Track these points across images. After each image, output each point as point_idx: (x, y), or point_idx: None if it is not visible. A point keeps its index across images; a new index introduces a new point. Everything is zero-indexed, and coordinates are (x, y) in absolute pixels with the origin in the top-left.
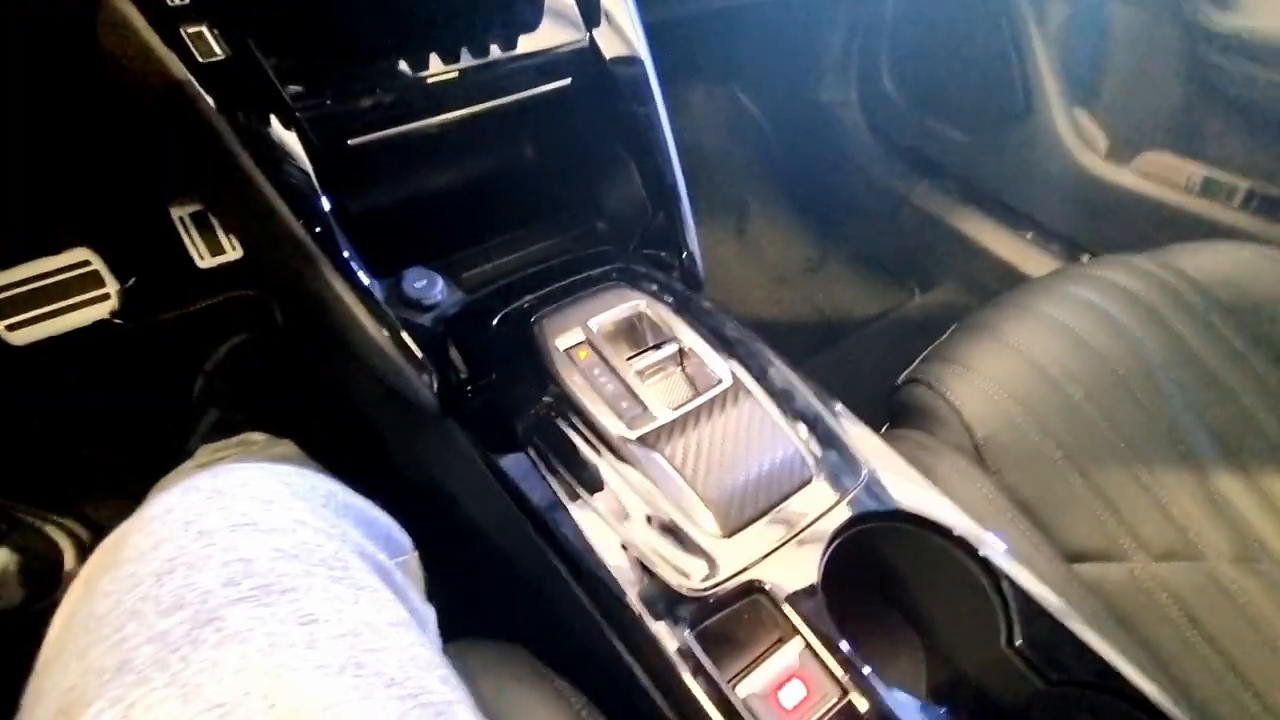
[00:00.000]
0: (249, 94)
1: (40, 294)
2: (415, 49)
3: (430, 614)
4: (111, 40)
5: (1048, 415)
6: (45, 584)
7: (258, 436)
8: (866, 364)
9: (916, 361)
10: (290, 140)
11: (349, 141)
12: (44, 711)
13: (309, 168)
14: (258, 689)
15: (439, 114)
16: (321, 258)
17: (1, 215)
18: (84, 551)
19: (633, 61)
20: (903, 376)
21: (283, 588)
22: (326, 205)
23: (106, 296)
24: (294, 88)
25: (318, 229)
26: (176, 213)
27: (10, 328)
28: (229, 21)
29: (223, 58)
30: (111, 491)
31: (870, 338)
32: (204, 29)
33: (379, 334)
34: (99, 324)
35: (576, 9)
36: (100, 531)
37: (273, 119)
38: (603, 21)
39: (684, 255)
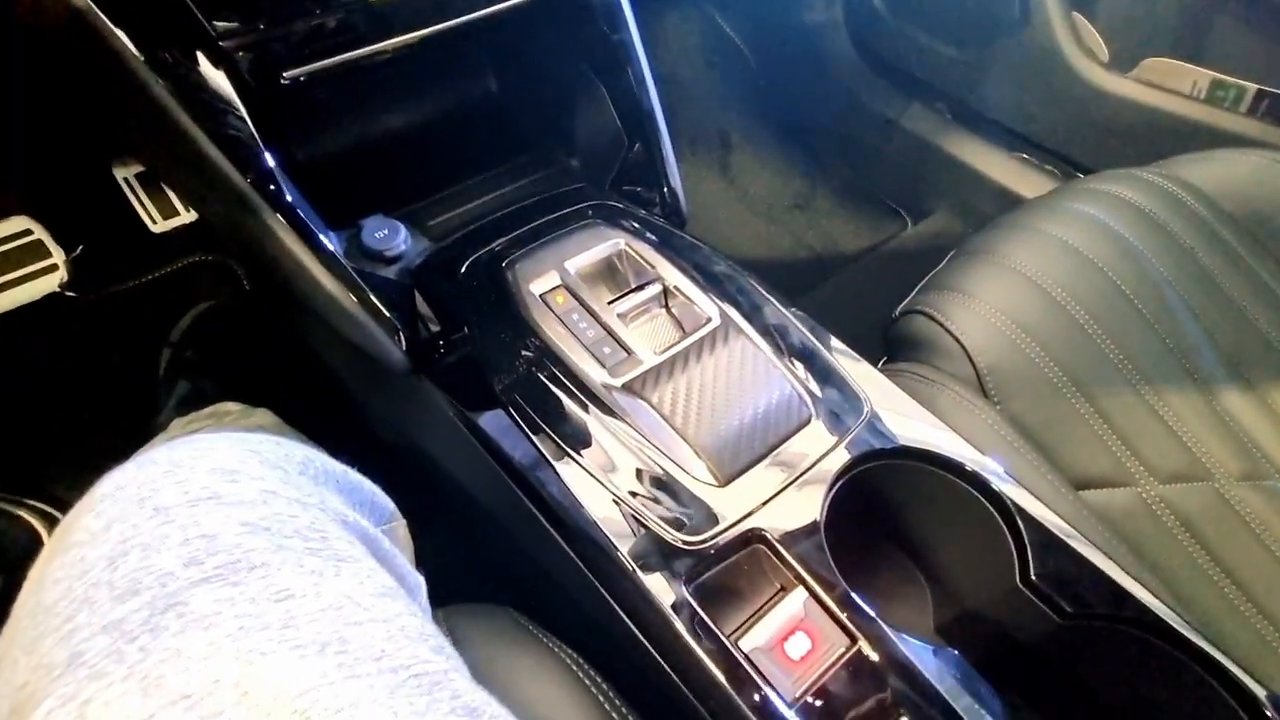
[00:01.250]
0: (165, 24)
1: None
2: None
3: (420, 581)
4: None
5: (1052, 340)
6: (24, 570)
7: (232, 406)
8: (860, 299)
9: (914, 292)
10: (222, 81)
11: (284, 74)
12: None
13: (244, 111)
14: (228, 676)
15: (385, 39)
16: (268, 210)
17: None
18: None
19: None
20: (900, 308)
21: (251, 564)
22: (270, 160)
23: (54, 268)
24: (221, 21)
25: (262, 180)
26: (120, 173)
27: None
28: None
29: None
30: (84, 472)
31: (862, 272)
32: None
33: (339, 290)
34: (50, 298)
35: None
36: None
37: (200, 57)
38: None
39: (665, 189)
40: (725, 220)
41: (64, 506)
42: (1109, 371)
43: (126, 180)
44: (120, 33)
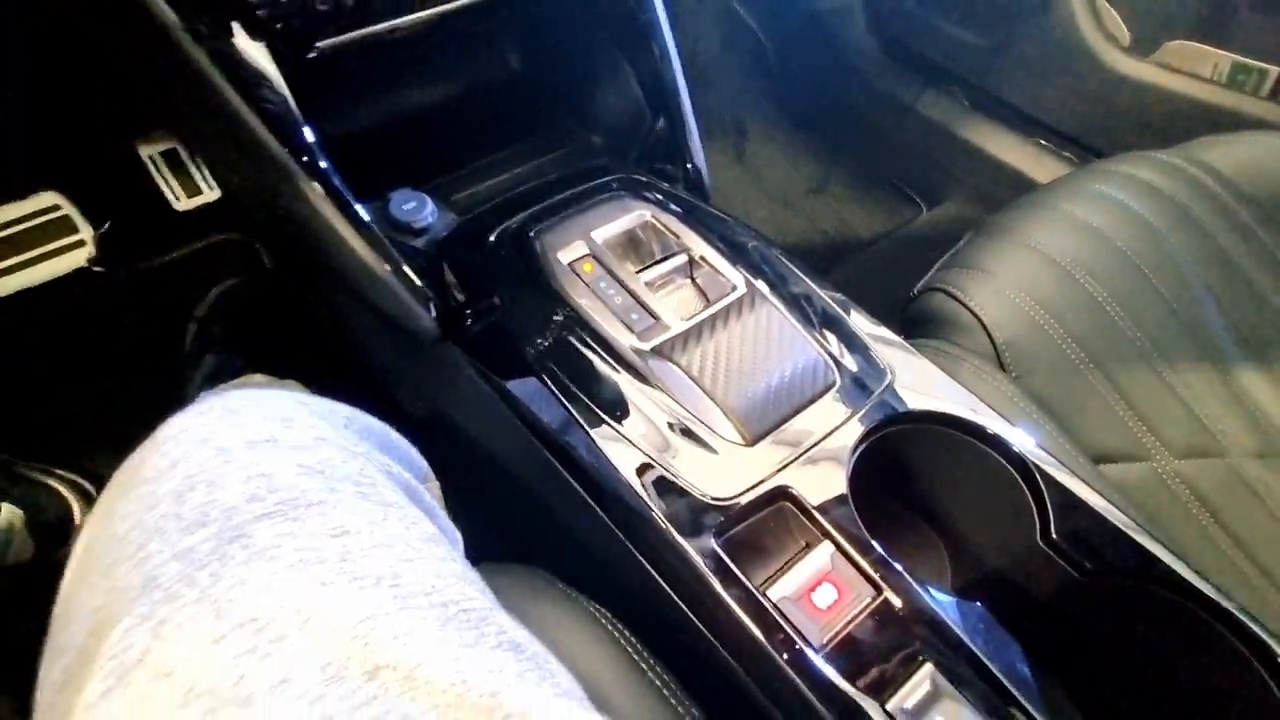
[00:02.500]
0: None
1: (10, 242)
2: None
3: (458, 536)
4: None
5: (1070, 316)
6: (55, 538)
7: (260, 378)
8: (874, 283)
9: (933, 270)
10: (259, 54)
11: (317, 44)
12: (73, 635)
13: (283, 85)
14: (291, 603)
15: (409, 13)
16: (305, 179)
17: None
18: (91, 504)
19: None
20: (919, 285)
21: (309, 502)
22: (309, 131)
23: (82, 243)
24: None
25: (300, 150)
26: (145, 151)
27: None
28: None
29: None
30: (112, 443)
31: (877, 257)
32: None
33: (372, 258)
34: (79, 273)
35: None
36: (105, 483)
37: (237, 29)
38: None
39: (689, 165)
40: (741, 206)
41: (93, 478)
42: (1126, 348)
43: (151, 158)
44: (161, 3)
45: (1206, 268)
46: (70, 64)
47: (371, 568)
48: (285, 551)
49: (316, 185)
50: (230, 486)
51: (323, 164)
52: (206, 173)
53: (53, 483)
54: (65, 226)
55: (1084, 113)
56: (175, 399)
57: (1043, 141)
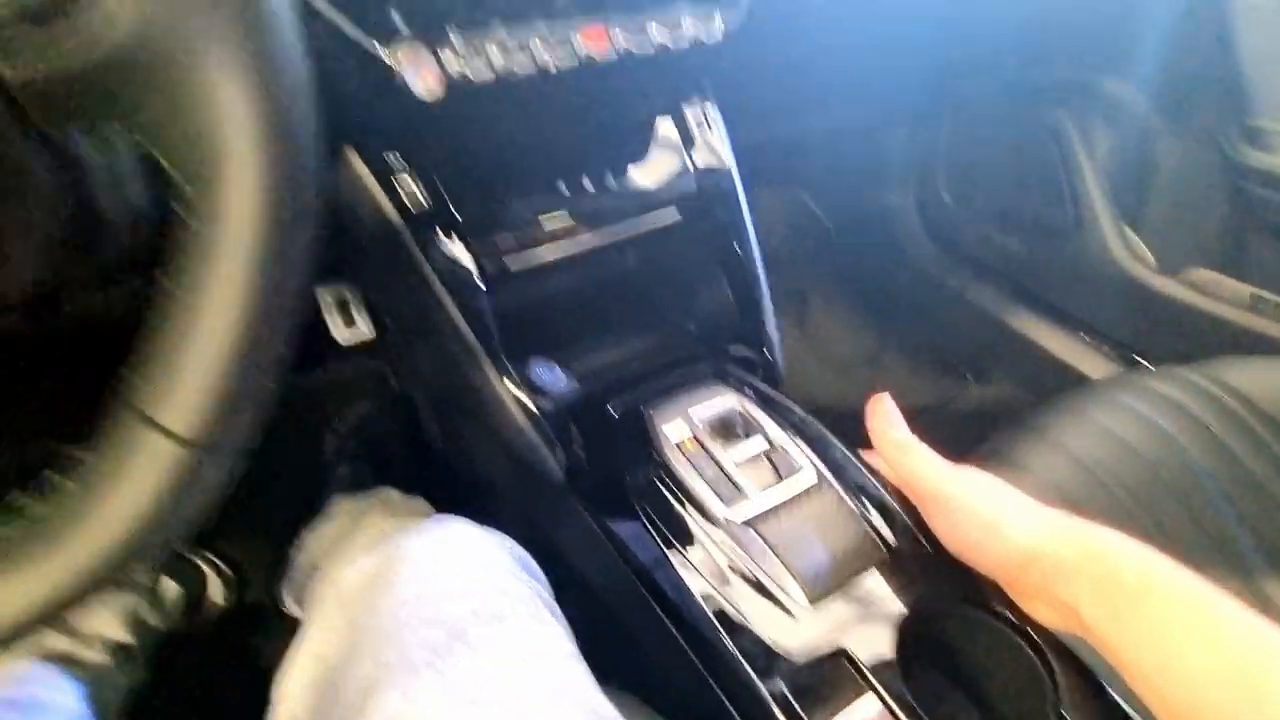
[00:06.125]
0: (441, 230)
1: None
2: (553, 179)
3: None
4: (348, 192)
5: (1095, 516)
6: (192, 612)
7: (394, 494)
8: None
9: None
10: (460, 253)
11: (512, 269)
12: (351, 692)
13: (478, 278)
14: (494, 691)
15: (562, 251)
16: (484, 355)
17: None
18: (226, 585)
19: (721, 174)
20: None
21: (503, 616)
22: (487, 307)
23: None
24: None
25: (484, 333)
26: (323, 295)
27: None
28: (428, 176)
29: (426, 207)
30: (250, 534)
31: (925, 429)
32: (412, 185)
33: (521, 418)
34: None
35: (676, 134)
36: (238, 568)
37: (440, 235)
38: (698, 140)
39: (767, 354)
40: (801, 371)
41: (230, 562)
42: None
43: (324, 300)
44: (411, 237)
45: (1226, 480)
46: None
47: (542, 670)
48: (489, 652)
49: (490, 360)
50: (454, 599)
51: (494, 334)
52: (368, 318)
53: (199, 562)
54: None
55: (1119, 318)
56: (312, 501)
57: (1085, 336)
